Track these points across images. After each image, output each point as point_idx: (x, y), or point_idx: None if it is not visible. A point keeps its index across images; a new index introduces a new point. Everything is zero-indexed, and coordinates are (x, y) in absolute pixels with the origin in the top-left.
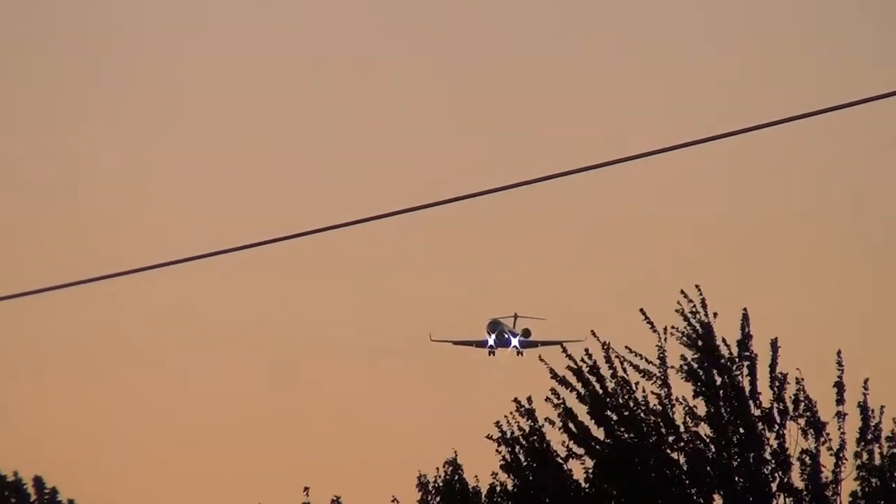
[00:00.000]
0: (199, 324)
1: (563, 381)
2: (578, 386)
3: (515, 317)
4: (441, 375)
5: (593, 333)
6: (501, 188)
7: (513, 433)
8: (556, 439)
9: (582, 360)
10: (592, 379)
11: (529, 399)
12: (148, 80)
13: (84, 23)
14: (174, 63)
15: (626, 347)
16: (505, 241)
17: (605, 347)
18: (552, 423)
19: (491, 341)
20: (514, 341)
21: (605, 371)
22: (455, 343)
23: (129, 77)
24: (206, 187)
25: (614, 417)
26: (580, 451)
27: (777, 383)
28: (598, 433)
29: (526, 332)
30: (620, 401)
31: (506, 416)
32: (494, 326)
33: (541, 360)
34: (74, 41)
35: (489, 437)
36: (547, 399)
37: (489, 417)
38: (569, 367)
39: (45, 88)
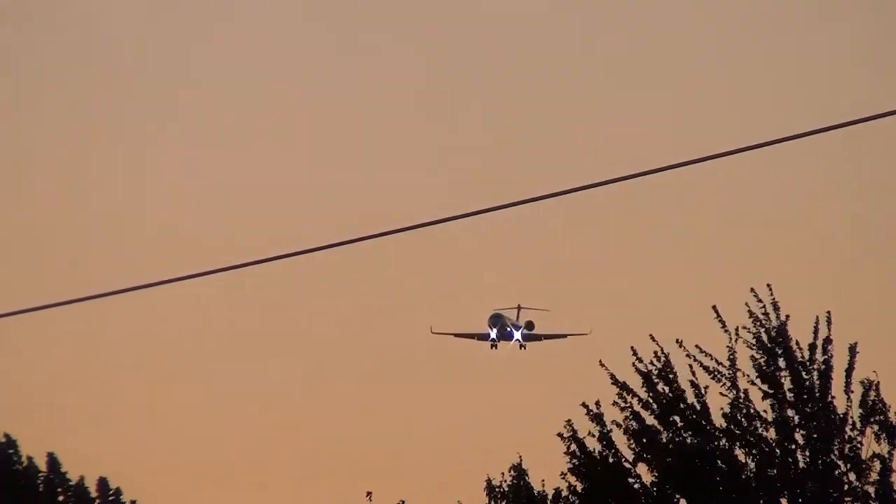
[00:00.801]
0: (256, 331)
1: (624, 387)
2: (642, 391)
3: (519, 308)
4: (503, 376)
5: (652, 338)
6: (533, 200)
7: (580, 436)
8: (623, 442)
9: (651, 362)
10: (661, 383)
11: (598, 403)
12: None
13: (84, 47)
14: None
15: (697, 346)
16: (510, 231)
17: (664, 351)
18: (619, 425)
19: (493, 335)
20: (517, 335)
21: (652, 370)
22: (456, 336)
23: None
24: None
25: (681, 421)
26: (646, 454)
27: (851, 388)
28: (665, 437)
29: (529, 325)
30: (687, 404)
31: (568, 422)
32: (496, 320)
33: (601, 364)
34: (73, 60)
35: (560, 436)
36: (614, 403)
37: (554, 419)
38: (637, 370)
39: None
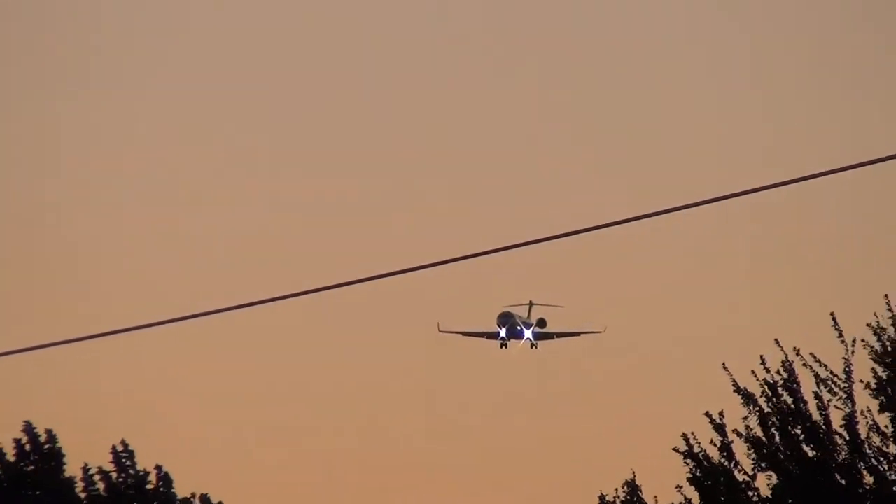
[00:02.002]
0: (338, 344)
1: (746, 396)
2: (762, 400)
3: (530, 304)
4: (614, 388)
5: (777, 342)
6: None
7: (701, 448)
8: (741, 453)
9: (777, 371)
10: (784, 393)
11: (721, 413)
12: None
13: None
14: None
15: (812, 355)
16: (521, 224)
17: (788, 359)
18: (740, 434)
19: (503, 333)
20: (528, 333)
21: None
22: (465, 334)
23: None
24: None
25: (801, 433)
26: (764, 466)
27: None
28: (784, 448)
29: (541, 322)
30: (807, 415)
31: (686, 433)
32: (506, 319)
33: (724, 367)
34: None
35: (676, 450)
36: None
37: (668, 431)
38: (760, 380)
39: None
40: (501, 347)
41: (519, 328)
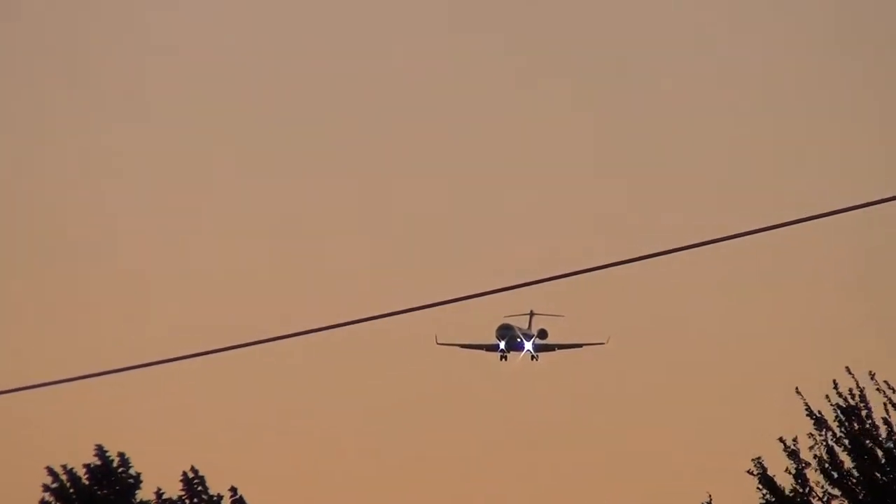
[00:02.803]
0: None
1: (819, 421)
2: (834, 424)
3: (531, 314)
4: (690, 409)
5: (848, 370)
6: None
7: (771, 473)
8: (813, 479)
9: (849, 396)
10: (855, 420)
11: (795, 440)
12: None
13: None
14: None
15: (885, 382)
16: (521, 227)
17: (860, 385)
18: (816, 456)
19: (502, 345)
20: (528, 345)
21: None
22: (463, 347)
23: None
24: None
25: (873, 458)
26: (837, 492)
27: None
28: (856, 474)
29: (542, 333)
30: (879, 440)
31: (758, 458)
32: (505, 331)
33: (797, 392)
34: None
35: (750, 473)
36: (810, 435)
37: (743, 454)
38: (833, 405)
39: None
40: (501, 360)
41: (519, 340)
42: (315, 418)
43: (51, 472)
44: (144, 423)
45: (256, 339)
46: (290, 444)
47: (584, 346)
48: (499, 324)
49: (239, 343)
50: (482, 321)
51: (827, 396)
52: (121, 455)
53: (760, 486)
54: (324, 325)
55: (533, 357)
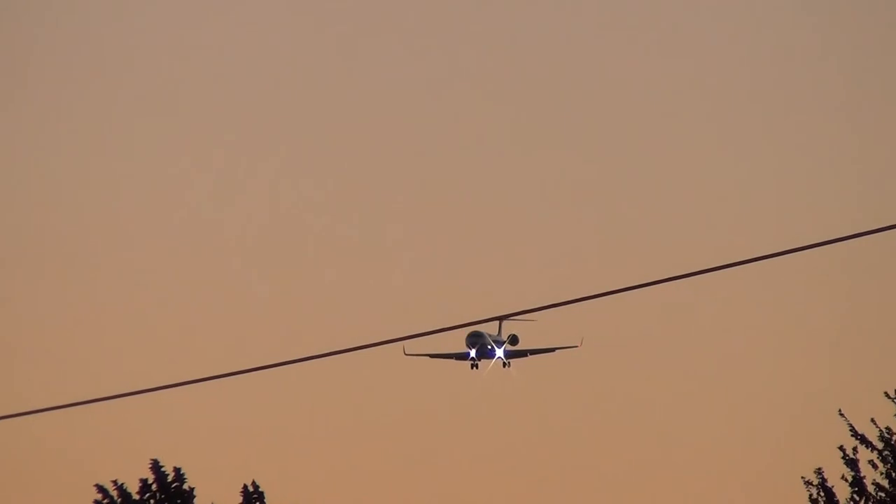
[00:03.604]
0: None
1: (864, 440)
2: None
3: (501, 319)
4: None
5: (887, 394)
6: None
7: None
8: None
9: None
10: None
11: (855, 449)
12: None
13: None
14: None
15: None
16: (489, 231)
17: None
18: (875, 466)
19: (473, 353)
20: (499, 352)
21: None
22: (432, 356)
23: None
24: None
25: None
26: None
27: None
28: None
29: (513, 339)
30: None
31: (818, 471)
32: (475, 339)
33: (840, 415)
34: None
35: (806, 482)
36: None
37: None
38: (883, 429)
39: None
40: (472, 368)
41: (490, 347)
42: (376, 431)
43: (100, 489)
44: (201, 438)
45: (316, 354)
46: (349, 460)
47: (557, 351)
48: (468, 331)
49: (298, 357)
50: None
51: (873, 419)
52: (176, 470)
53: (818, 498)
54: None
55: (505, 364)
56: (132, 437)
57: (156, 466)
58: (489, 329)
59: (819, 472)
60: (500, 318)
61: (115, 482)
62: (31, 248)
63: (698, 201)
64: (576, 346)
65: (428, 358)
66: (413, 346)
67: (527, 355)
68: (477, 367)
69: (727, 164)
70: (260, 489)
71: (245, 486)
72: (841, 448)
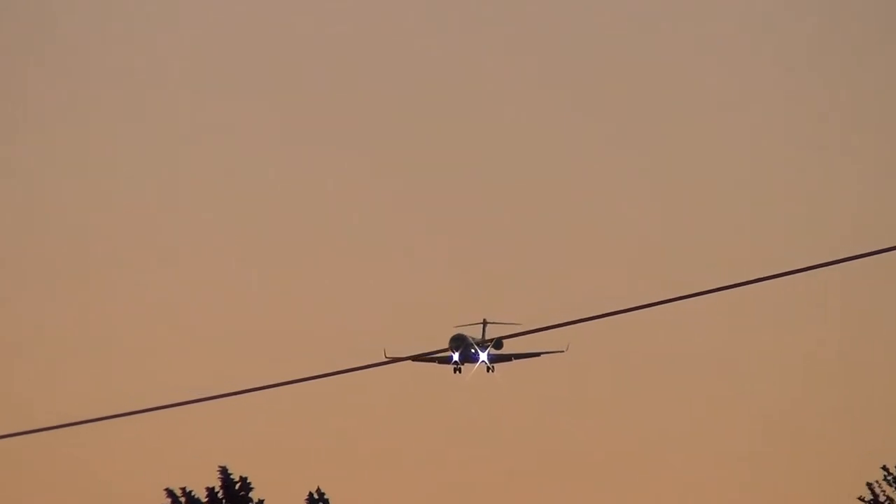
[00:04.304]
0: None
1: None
2: None
3: (484, 323)
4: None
5: None
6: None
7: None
8: None
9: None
10: None
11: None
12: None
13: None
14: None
15: None
16: (475, 234)
17: None
18: None
19: (456, 357)
20: (483, 356)
21: None
22: (414, 359)
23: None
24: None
25: None
26: None
27: None
28: None
29: (497, 343)
30: None
31: (877, 482)
32: (458, 342)
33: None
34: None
35: (861, 500)
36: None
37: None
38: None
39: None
40: (455, 372)
41: (473, 350)
42: (440, 439)
43: (170, 493)
44: (268, 447)
45: (382, 361)
46: (413, 467)
47: (543, 355)
48: (451, 334)
49: (367, 363)
50: (432, 332)
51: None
52: (243, 479)
53: None
54: None
55: (488, 368)
56: (202, 444)
57: (224, 474)
58: (473, 333)
59: (871, 486)
60: (484, 323)
61: (183, 489)
62: (112, 255)
63: (698, 206)
64: (562, 351)
65: (410, 361)
66: (394, 349)
67: (511, 359)
68: (460, 372)
69: (728, 171)
70: (325, 496)
71: (310, 493)
72: (884, 468)
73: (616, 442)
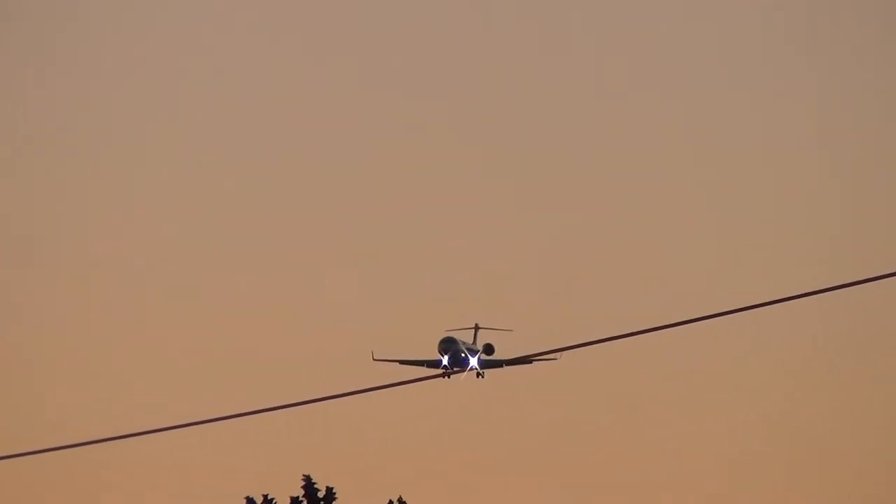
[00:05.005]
0: None
1: None
2: None
3: (476, 328)
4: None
5: None
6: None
7: None
8: None
9: None
10: None
11: None
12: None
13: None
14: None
15: None
16: (466, 240)
17: None
18: None
19: (445, 361)
20: (474, 361)
21: None
22: (402, 363)
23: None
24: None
25: None
26: None
27: None
28: None
29: (488, 349)
30: None
31: None
32: (448, 345)
33: None
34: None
35: None
36: None
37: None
38: None
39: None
40: (445, 377)
41: (464, 355)
42: (521, 443)
43: (250, 502)
44: (353, 456)
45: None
46: (496, 473)
47: (535, 362)
48: (441, 337)
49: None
50: (422, 336)
51: None
52: (328, 489)
53: None
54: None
55: (479, 374)
56: (286, 453)
57: (308, 483)
58: (464, 338)
59: None
60: (476, 328)
61: (265, 496)
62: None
63: (697, 208)
64: (555, 359)
65: (397, 364)
66: (382, 352)
67: (502, 366)
68: (449, 377)
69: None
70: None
71: (390, 502)
72: None
73: (616, 442)
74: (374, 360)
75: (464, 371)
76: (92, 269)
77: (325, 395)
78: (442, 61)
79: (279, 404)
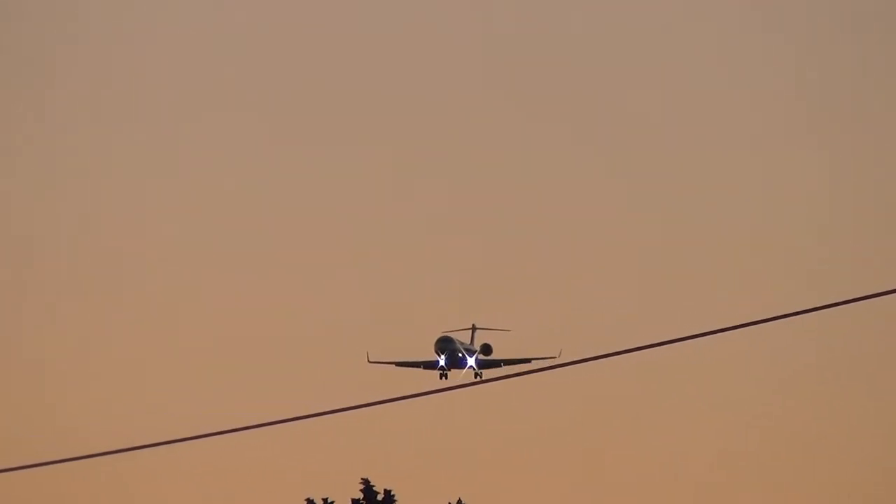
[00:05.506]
0: None
1: None
2: None
3: (473, 329)
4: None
5: None
6: None
7: None
8: None
9: None
10: None
11: None
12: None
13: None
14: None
15: None
16: (461, 236)
17: None
18: None
19: (442, 362)
20: (471, 361)
21: None
22: (398, 365)
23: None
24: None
25: None
26: None
27: None
28: None
29: (486, 349)
30: None
31: None
32: (445, 344)
33: None
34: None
35: None
36: None
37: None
38: None
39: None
40: (441, 378)
41: (461, 355)
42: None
43: (310, 503)
44: (411, 457)
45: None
46: (554, 478)
47: (533, 361)
48: (437, 337)
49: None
50: (418, 337)
51: None
52: (387, 492)
53: None
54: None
55: (476, 374)
56: (347, 455)
57: (367, 486)
58: (461, 338)
59: None
60: (473, 328)
61: (325, 500)
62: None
63: (697, 210)
64: (553, 357)
65: (394, 366)
66: (378, 354)
67: (501, 366)
68: (446, 377)
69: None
70: None
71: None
72: None
73: (615, 444)
74: (370, 361)
75: (461, 371)
76: (92, 269)
77: (378, 401)
78: (442, 61)
79: (330, 409)
